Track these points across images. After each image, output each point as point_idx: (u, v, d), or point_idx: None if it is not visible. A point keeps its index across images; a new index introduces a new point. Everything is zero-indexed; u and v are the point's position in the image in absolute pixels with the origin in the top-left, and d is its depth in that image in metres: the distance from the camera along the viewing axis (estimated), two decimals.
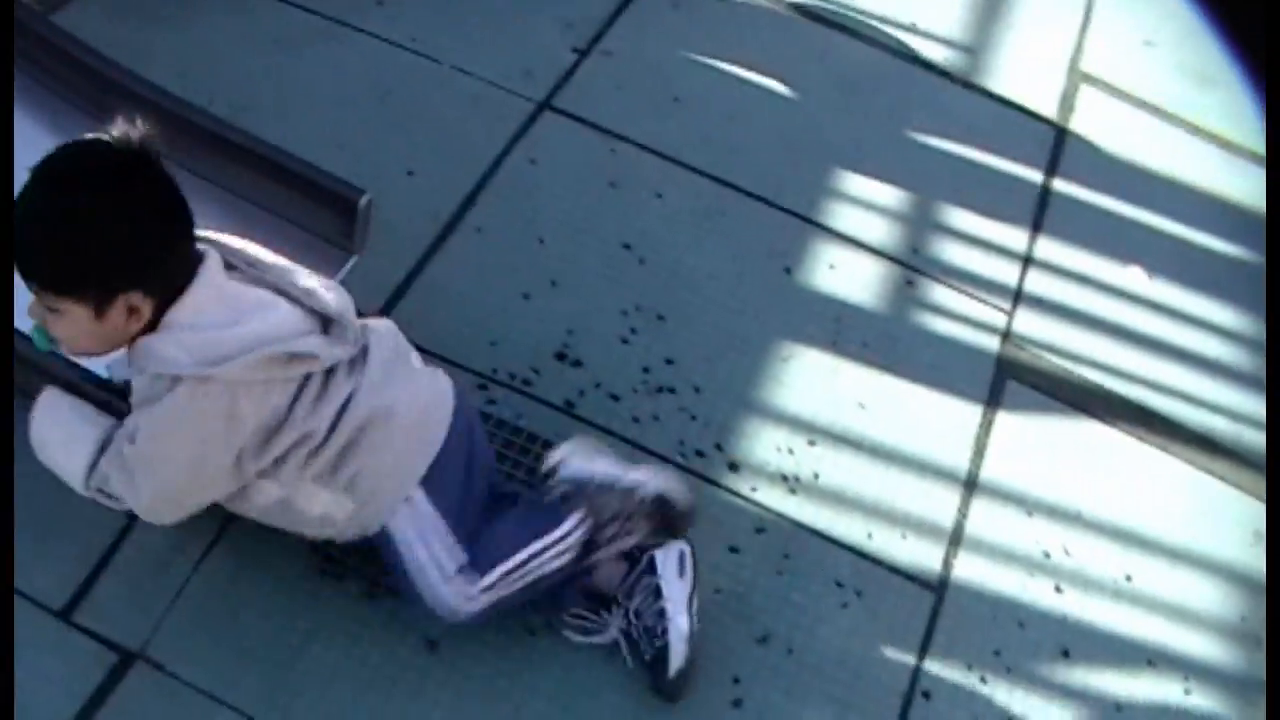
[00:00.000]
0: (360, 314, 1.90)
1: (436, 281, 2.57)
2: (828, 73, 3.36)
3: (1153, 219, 3.30)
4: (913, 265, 2.93)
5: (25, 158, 1.69)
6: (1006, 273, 3.01)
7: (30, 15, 2.49)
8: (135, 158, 1.64)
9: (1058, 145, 3.40)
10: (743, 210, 2.92)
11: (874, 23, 3.56)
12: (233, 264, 1.79)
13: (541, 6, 3.25)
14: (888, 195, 3.08)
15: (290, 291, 1.80)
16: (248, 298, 1.76)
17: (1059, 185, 3.28)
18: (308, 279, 1.83)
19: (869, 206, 3.03)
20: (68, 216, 1.62)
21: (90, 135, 1.68)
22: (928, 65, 3.49)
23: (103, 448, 1.80)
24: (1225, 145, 3.59)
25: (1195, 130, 3.61)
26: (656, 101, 3.10)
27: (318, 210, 2.27)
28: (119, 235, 1.63)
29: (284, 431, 1.76)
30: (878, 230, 2.98)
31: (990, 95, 3.47)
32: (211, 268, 1.72)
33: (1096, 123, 3.50)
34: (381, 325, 1.94)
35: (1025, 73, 3.57)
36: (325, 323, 1.81)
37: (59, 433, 1.84)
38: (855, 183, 3.08)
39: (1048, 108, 3.50)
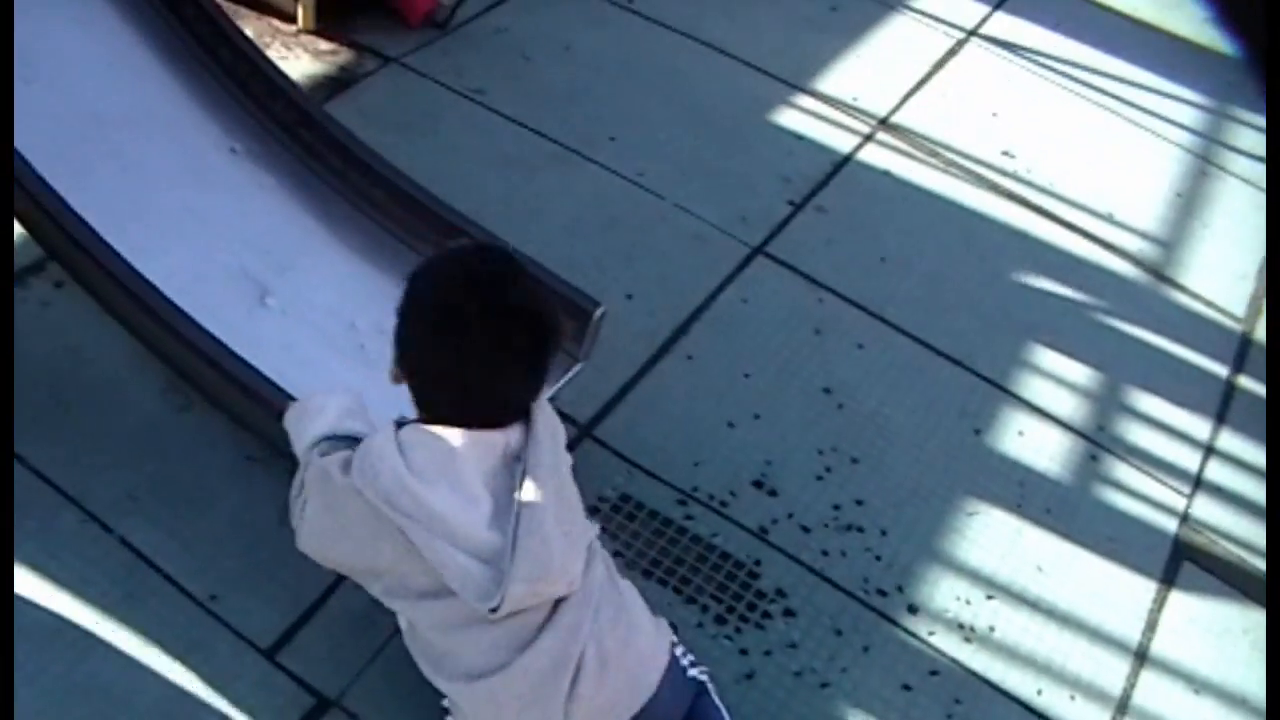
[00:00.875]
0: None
1: (647, 399, 2.76)
2: (1026, 251, 3.52)
3: None
4: (1098, 441, 3.03)
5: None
6: (1188, 459, 3.08)
7: (310, 103, 2.79)
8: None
9: (1244, 346, 3.48)
10: (938, 370, 3.07)
11: (1072, 209, 3.72)
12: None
13: (763, 161, 3.50)
14: (1077, 372, 3.19)
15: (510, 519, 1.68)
16: (465, 475, 1.67)
17: (1244, 382, 3.35)
18: (549, 529, 1.68)
19: (1059, 381, 3.15)
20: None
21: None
22: (1122, 253, 3.63)
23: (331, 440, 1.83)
24: None
25: None
26: (864, 258, 3.30)
27: None
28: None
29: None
30: (1066, 404, 3.09)
31: (1181, 289, 3.58)
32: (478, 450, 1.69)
33: None
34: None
35: (1216, 273, 3.68)
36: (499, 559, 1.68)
37: (326, 401, 1.90)
38: (1046, 357, 3.20)
39: (1237, 309, 3.59)
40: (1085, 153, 3.99)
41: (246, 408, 2.17)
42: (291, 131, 2.69)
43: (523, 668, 1.72)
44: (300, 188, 2.64)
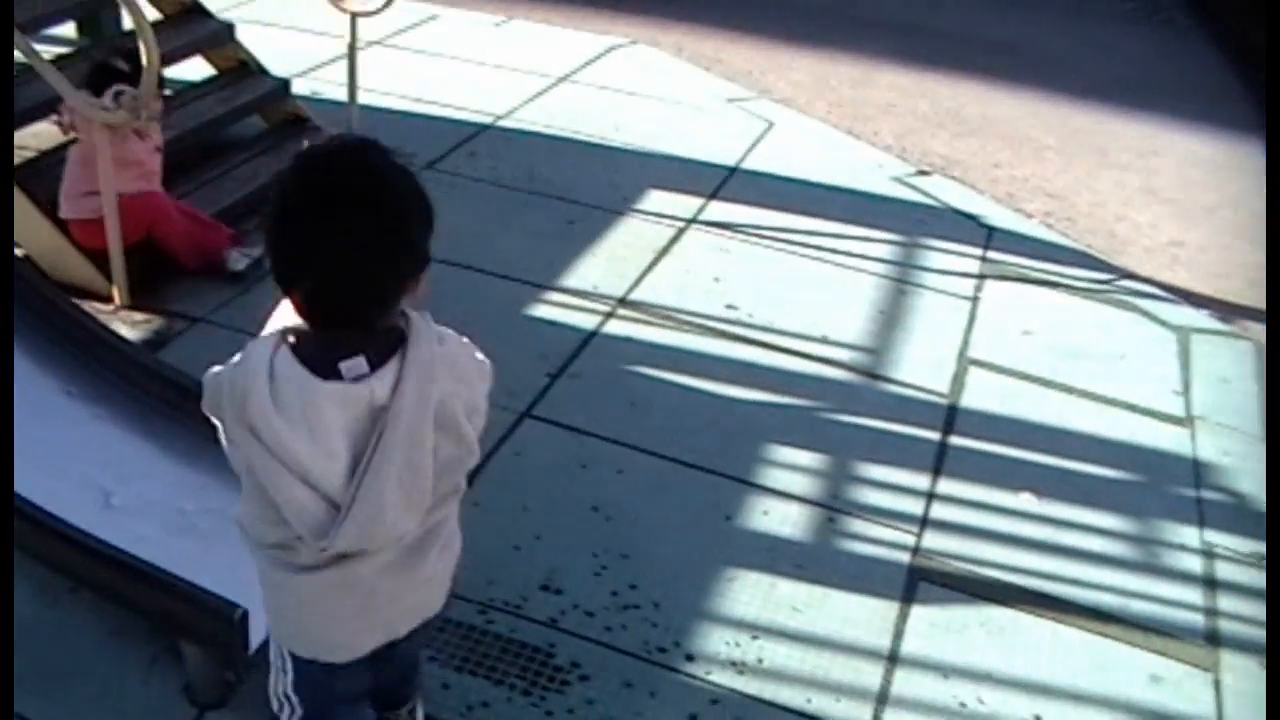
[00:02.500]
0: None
1: None
2: (754, 377, 4.16)
3: (1041, 458, 3.98)
4: (833, 506, 3.60)
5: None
6: (914, 505, 3.67)
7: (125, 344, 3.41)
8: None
9: (951, 413, 4.13)
10: (689, 478, 3.63)
11: (791, 339, 4.40)
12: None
13: (521, 346, 4.11)
14: (809, 459, 3.79)
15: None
16: (327, 425, 1.71)
17: (954, 440, 3.99)
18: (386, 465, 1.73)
19: (794, 468, 3.74)
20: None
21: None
22: (838, 364, 4.30)
23: None
24: (1096, 399, 4.33)
25: (1070, 391, 4.36)
26: (614, 406, 3.89)
27: None
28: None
29: None
30: (802, 484, 3.67)
31: (892, 381, 4.25)
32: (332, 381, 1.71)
33: (984, 395, 4.26)
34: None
35: (919, 365, 4.36)
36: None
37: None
38: (781, 453, 3.80)
39: (941, 387, 4.26)
40: (798, 294, 4.71)
41: (113, 582, 2.64)
42: (116, 370, 3.29)
43: (347, 601, 1.90)
44: (126, 412, 3.23)
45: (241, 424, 1.72)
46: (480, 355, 1.93)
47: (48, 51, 4.48)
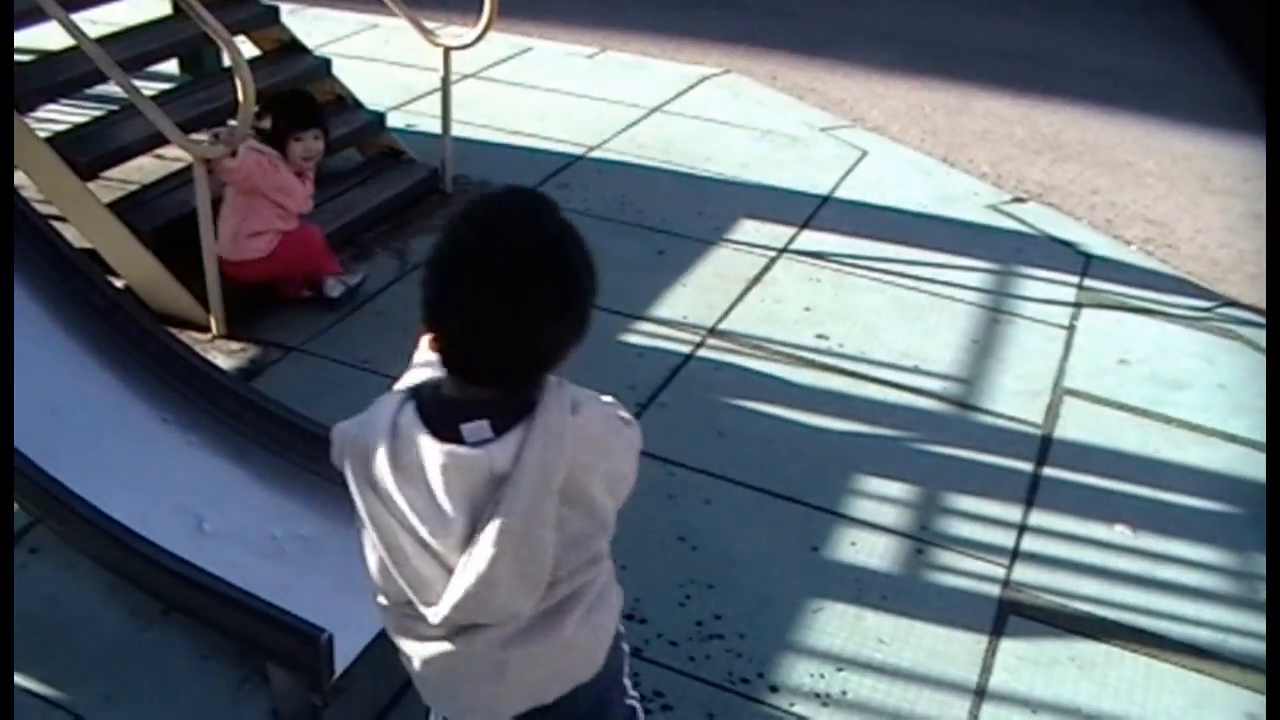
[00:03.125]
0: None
1: None
2: (845, 407, 4.16)
3: (1137, 490, 3.92)
4: (921, 538, 3.58)
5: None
6: (1004, 538, 3.63)
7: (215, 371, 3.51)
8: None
9: (1045, 444, 4.08)
10: (777, 509, 3.64)
11: (881, 368, 4.39)
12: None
13: (610, 376, 4.11)
14: (898, 490, 3.77)
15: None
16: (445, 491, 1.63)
17: (1047, 472, 3.94)
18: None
19: (883, 499, 3.73)
20: None
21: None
22: (929, 394, 4.28)
23: None
24: (1195, 429, 4.25)
25: (1169, 421, 4.28)
26: (703, 436, 3.92)
27: None
28: None
29: None
30: (890, 515, 3.66)
31: (985, 412, 4.22)
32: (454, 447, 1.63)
33: (1079, 425, 4.20)
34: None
35: (1014, 395, 4.32)
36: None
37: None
38: (870, 483, 3.79)
39: (1035, 418, 4.21)
40: (890, 323, 4.70)
41: (203, 606, 2.73)
42: (210, 399, 3.40)
43: (461, 670, 1.82)
44: (219, 440, 3.33)
45: (364, 479, 1.68)
46: (625, 418, 1.84)
47: (152, 88, 4.67)
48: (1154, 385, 4.48)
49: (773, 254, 5.17)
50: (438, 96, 5.44)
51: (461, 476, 1.63)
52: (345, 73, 5.73)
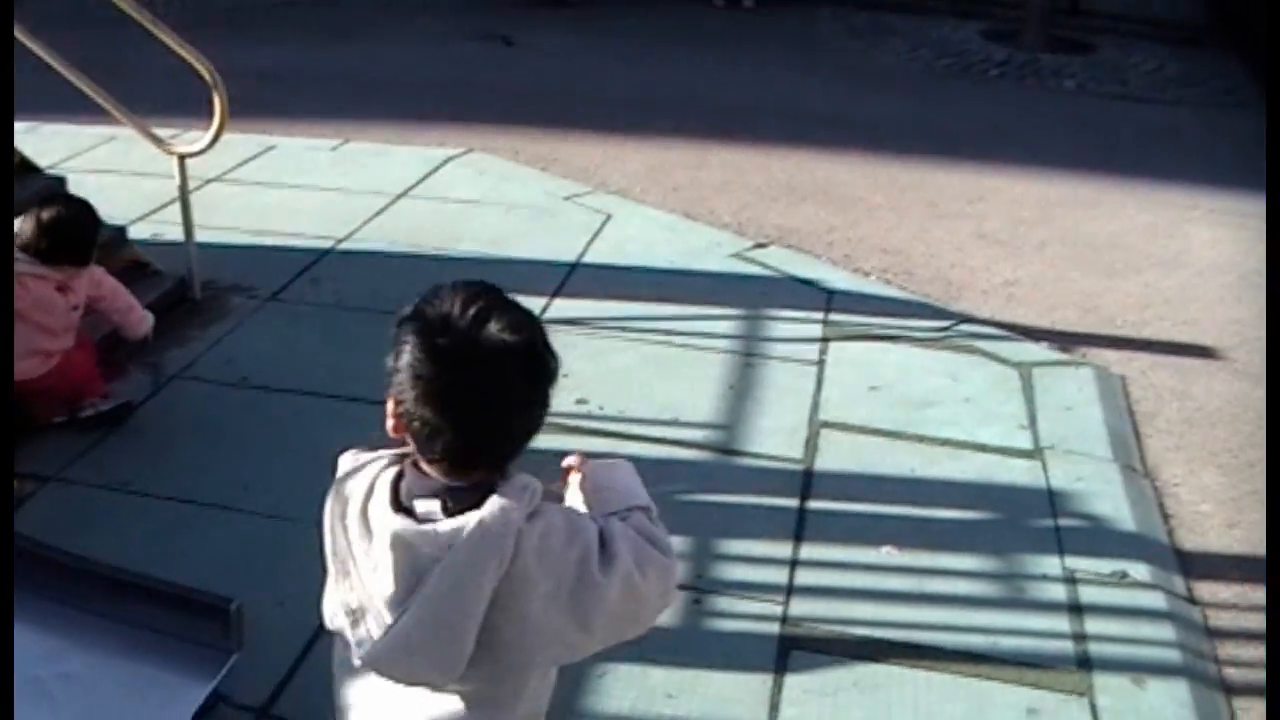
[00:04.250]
0: None
1: (316, 670, 3.18)
2: None
3: (899, 510, 4.03)
4: (698, 587, 3.59)
5: None
6: (778, 575, 3.68)
7: None
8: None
9: (806, 477, 4.17)
10: None
11: (642, 425, 4.41)
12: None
13: None
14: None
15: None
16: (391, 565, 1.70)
17: (812, 505, 4.02)
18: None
19: None
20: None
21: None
22: (691, 444, 4.32)
23: None
24: (946, 444, 4.41)
25: (921, 439, 4.43)
26: None
27: (195, 621, 2.94)
28: None
29: None
30: None
31: (745, 454, 4.29)
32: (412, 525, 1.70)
33: (838, 455, 4.30)
34: None
35: (772, 434, 4.41)
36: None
37: None
38: None
39: (795, 454, 4.30)
40: (647, 379, 4.74)
41: None
42: None
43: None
44: None
45: (338, 517, 1.78)
46: (642, 551, 1.88)
47: None
48: (904, 407, 4.64)
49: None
50: (177, 205, 5.28)
51: (405, 550, 1.69)
52: (86, 187, 5.49)
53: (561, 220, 6.44)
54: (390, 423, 1.73)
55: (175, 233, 5.60)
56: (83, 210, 4.38)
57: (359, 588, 1.75)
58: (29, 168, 5.42)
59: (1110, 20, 12.85)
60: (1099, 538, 3.96)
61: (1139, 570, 3.79)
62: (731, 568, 3.69)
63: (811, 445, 4.35)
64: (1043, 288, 6.13)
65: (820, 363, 4.95)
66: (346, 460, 1.84)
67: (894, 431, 4.47)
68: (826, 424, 4.49)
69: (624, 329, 5.16)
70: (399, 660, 1.73)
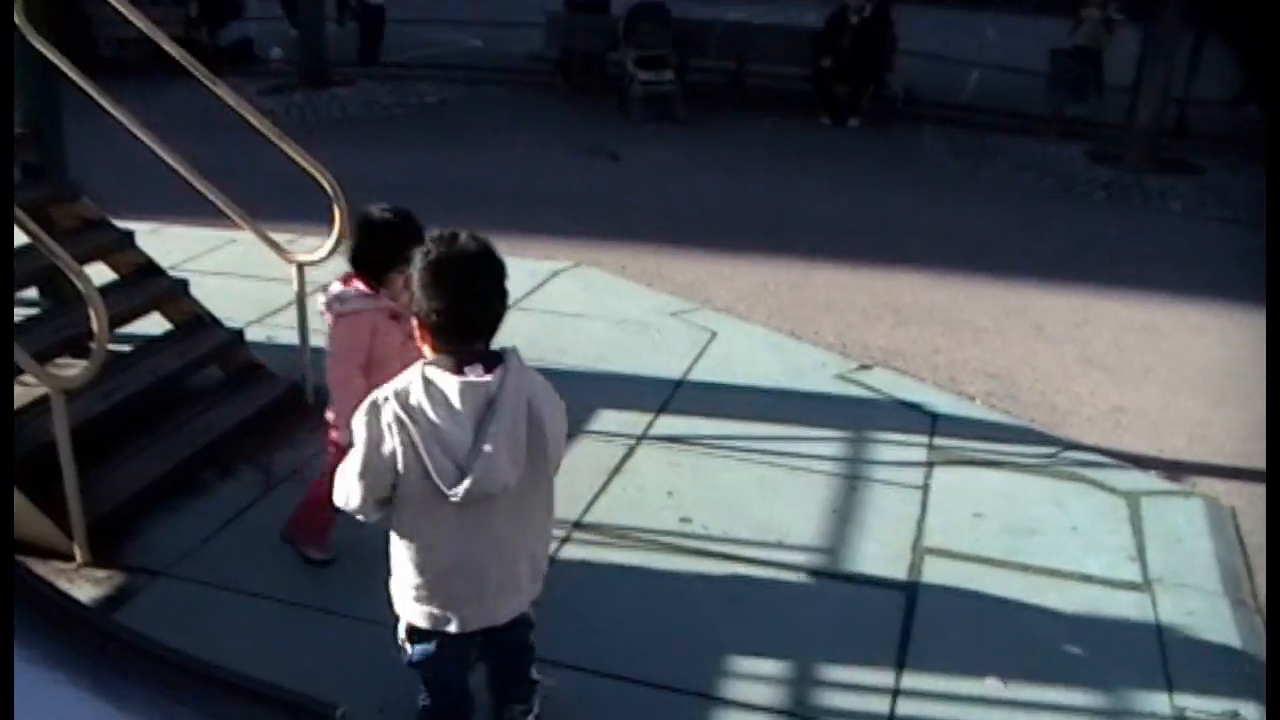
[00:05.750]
0: None
1: None
2: (714, 589, 4.20)
3: (1003, 640, 4.01)
4: (797, 713, 3.59)
5: None
6: (879, 704, 3.67)
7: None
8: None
9: (910, 604, 4.17)
10: (649, 699, 3.63)
11: (746, 546, 4.45)
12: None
13: None
14: (770, 668, 3.79)
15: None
16: (459, 409, 2.67)
17: (916, 632, 4.01)
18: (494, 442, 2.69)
19: (755, 678, 3.74)
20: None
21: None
22: (792, 567, 4.35)
23: None
24: (1052, 574, 4.38)
25: (1026, 569, 4.41)
26: (574, 631, 3.90)
27: None
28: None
29: None
30: (764, 694, 3.67)
31: (847, 578, 4.30)
32: (465, 378, 2.68)
33: (942, 582, 4.30)
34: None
35: (874, 558, 4.41)
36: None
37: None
38: (743, 664, 3.80)
39: (899, 575, 4.31)
40: (751, 500, 4.79)
41: None
42: (73, 633, 3.26)
43: (471, 549, 2.81)
44: (81, 675, 3.17)
45: (403, 411, 2.66)
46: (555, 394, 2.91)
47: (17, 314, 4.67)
48: (1009, 535, 4.62)
49: (632, 442, 5.26)
50: (293, 308, 5.49)
51: (470, 396, 2.67)
52: (204, 289, 5.77)
53: (667, 336, 6.56)
54: (417, 334, 2.77)
55: (289, 336, 5.81)
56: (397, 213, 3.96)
57: (438, 451, 2.66)
58: (153, 269, 5.70)
59: (1218, 142, 12.81)
60: (1210, 675, 3.89)
61: (1251, 711, 3.71)
62: (832, 695, 3.70)
63: (915, 571, 4.35)
64: (1150, 415, 6.08)
65: (924, 487, 4.96)
66: (381, 391, 2.73)
67: (998, 559, 4.46)
68: (930, 550, 4.49)
69: (729, 448, 5.22)
70: (494, 467, 2.67)
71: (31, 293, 5.95)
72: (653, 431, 5.37)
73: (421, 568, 2.85)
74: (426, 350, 2.76)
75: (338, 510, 3.02)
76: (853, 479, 5.02)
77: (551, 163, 11.65)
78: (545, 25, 16.90)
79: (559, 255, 8.14)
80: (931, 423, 5.59)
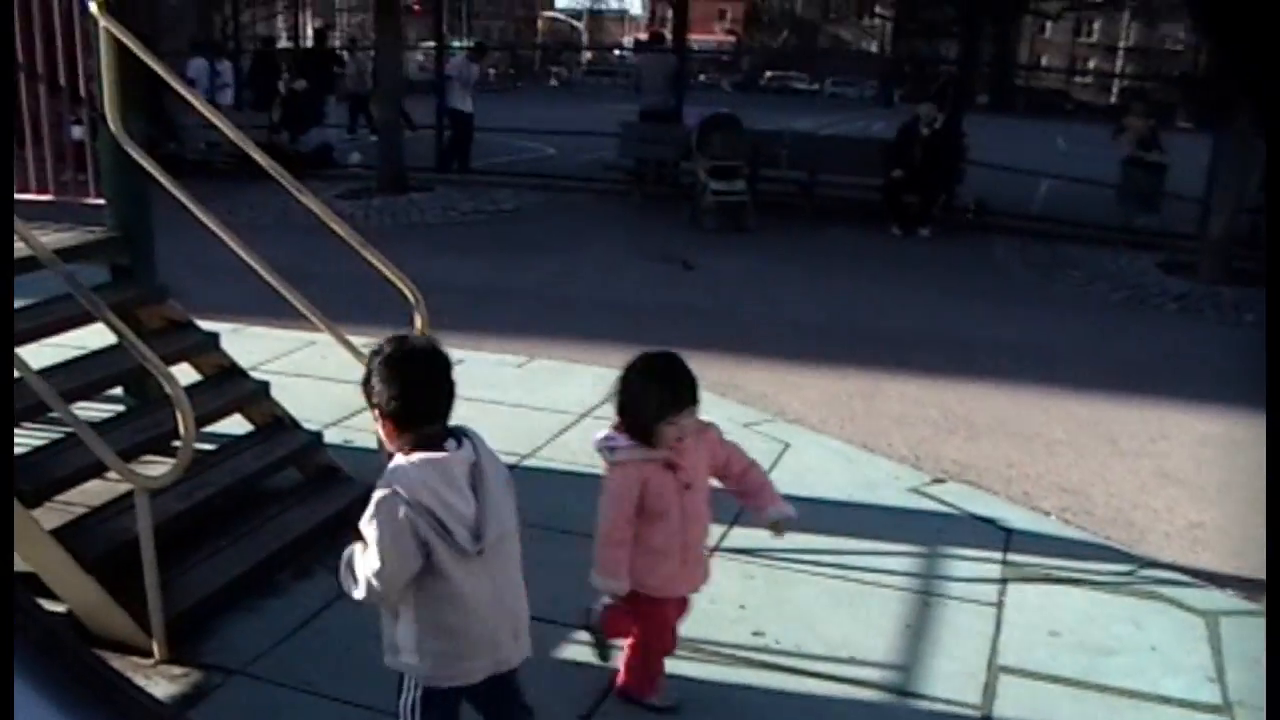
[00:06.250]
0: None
1: None
2: (785, 706, 4.20)
3: None
4: None
5: None
6: None
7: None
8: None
9: None
10: None
11: (818, 662, 4.46)
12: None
13: (551, 685, 4.18)
14: None
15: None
16: (458, 481, 3.01)
17: None
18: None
19: None
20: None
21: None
22: (866, 684, 4.34)
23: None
24: (1130, 695, 4.33)
25: (1104, 690, 4.37)
26: None
27: None
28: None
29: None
30: None
31: (920, 697, 4.29)
32: (451, 453, 3.05)
33: (1017, 703, 4.27)
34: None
35: (948, 679, 4.39)
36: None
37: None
38: None
39: (972, 699, 4.28)
40: (824, 614, 4.80)
41: None
42: None
43: (493, 595, 3.13)
44: None
45: (414, 504, 2.95)
46: None
47: (102, 412, 4.80)
48: (1086, 654, 4.59)
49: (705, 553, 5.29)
50: (369, 414, 5.61)
51: (461, 466, 3.03)
52: (284, 390, 5.92)
53: (741, 446, 6.60)
54: (382, 431, 3.12)
55: (365, 440, 5.90)
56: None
57: (456, 520, 2.97)
58: (235, 371, 5.88)
59: None
60: None
61: None
62: None
63: (990, 691, 4.33)
64: (1229, 532, 6.02)
65: (999, 604, 4.94)
66: (385, 496, 3.00)
67: (1075, 679, 4.42)
68: (1005, 669, 4.47)
69: (802, 561, 5.24)
70: (500, 516, 3.07)
71: (116, 390, 6.15)
72: (726, 543, 5.41)
73: (441, 626, 3.11)
74: (395, 444, 3.09)
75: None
76: (926, 594, 5.01)
77: (624, 270, 11.85)
78: (620, 135, 17.28)
79: None
80: (1006, 538, 5.57)
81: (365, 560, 3.03)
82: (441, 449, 3.03)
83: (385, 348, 3.13)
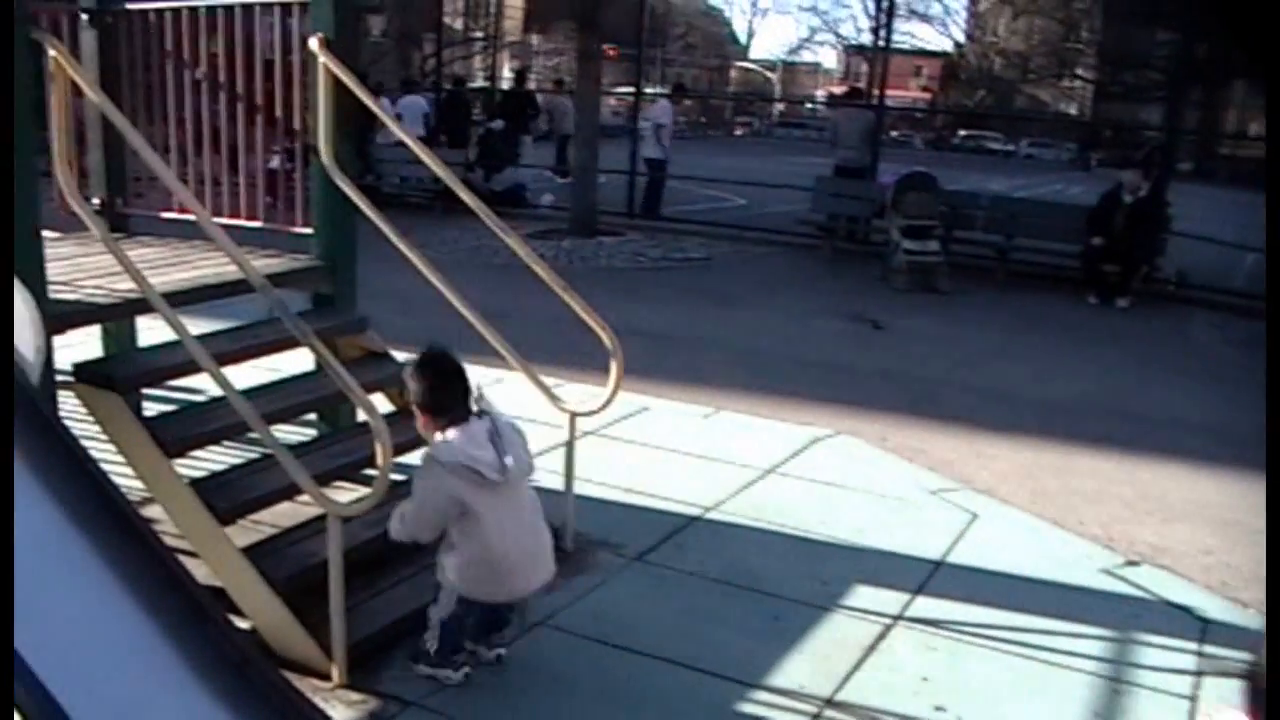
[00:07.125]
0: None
1: None
2: None
3: None
4: None
5: None
6: None
7: None
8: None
9: None
10: None
11: None
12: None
13: None
14: None
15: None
16: (482, 441, 4.14)
17: None
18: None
19: None
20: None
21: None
22: None
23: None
24: None
25: None
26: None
27: None
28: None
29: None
30: None
31: None
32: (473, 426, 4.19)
33: None
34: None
35: None
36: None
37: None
38: None
39: None
40: (1008, 695, 4.71)
41: None
42: None
43: (521, 520, 4.29)
44: None
45: (450, 465, 4.11)
46: None
47: (297, 435, 5.04)
48: None
49: (888, 621, 5.26)
50: (558, 453, 5.73)
51: (481, 428, 4.17)
52: None
53: (927, 514, 6.56)
54: (420, 422, 4.32)
55: (551, 481, 6.01)
56: None
57: (483, 465, 4.07)
58: None
59: None
60: None
61: None
62: None
63: None
64: None
65: (1193, 698, 4.78)
66: (438, 463, 4.21)
67: None
68: None
69: (986, 636, 5.16)
70: (519, 456, 4.20)
71: (310, 415, 6.40)
72: (909, 612, 5.37)
73: (478, 559, 4.19)
74: (431, 429, 4.26)
75: None
76: (1115, 681, 4.88)
77: (813, 326, 11.85)
78: (813, 189, 17.32)
79: (818, 421, 8.26)
80: (1202, 629, 5.38)
81: (404, 505, 4.30)
82: (466, 422, 4.17)
83: (414, 360, 4.36)
